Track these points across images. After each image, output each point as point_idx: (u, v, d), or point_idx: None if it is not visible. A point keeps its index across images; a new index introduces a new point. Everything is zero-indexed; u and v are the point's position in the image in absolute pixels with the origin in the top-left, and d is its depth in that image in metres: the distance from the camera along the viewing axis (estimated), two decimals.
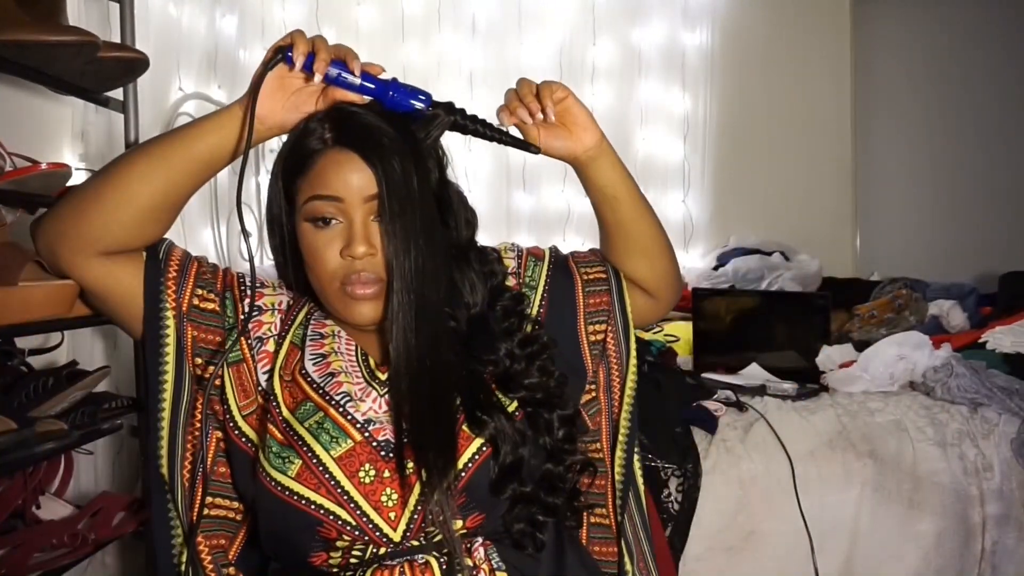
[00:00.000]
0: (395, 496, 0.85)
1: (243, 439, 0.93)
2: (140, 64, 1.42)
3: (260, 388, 0.93)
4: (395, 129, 0.88)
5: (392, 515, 0.85)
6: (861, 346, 2.13)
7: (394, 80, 0.92)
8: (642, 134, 3.65)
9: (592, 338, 1.01)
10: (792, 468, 1.69)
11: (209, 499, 0.93)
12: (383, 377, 0.92)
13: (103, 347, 1.78)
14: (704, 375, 2.12)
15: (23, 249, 1.19)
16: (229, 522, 0.95)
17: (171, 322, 0.91)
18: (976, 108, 3.66)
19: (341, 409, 0.89)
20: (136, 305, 0.91)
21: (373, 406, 0.90)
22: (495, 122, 0.94)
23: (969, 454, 1.73)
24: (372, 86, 0.89)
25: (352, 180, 0.86)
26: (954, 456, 1.72)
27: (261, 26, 2.98)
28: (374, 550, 0.85)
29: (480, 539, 0.88)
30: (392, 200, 0.84)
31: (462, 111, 0.93)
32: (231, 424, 0.92)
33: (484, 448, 0.88)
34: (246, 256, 2.40)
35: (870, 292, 2.83)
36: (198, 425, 0.92)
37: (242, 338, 0.93)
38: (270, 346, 0.95)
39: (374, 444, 0.87)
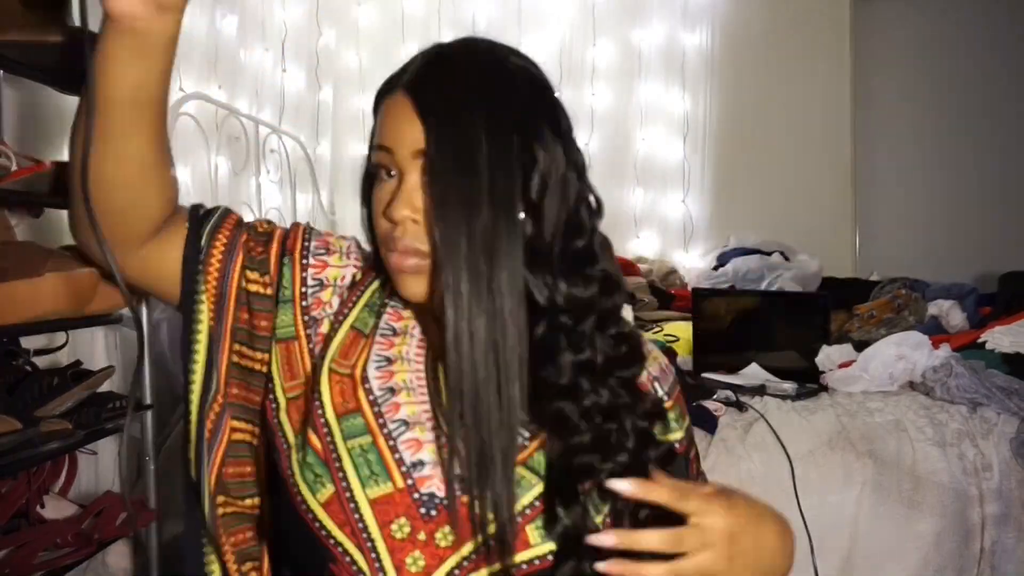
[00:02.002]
0: (422, 563, 0.73)
1: (280, 432, 0.80)
2: None
3: (313, 362, 0.81)
4: (487, 85, 0.73)
5: None
6: (861, 346, 2.14)
7: None
8: (642, 134, 3.66)
9: None
10: (792, 468, 1.70)
11: (221, 498, 0.82)
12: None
13: (107, 347, 1.78)
14: (704, 375, 2.12)
15: (40, 246, 1.20)
16: (247, 515, 0.84)
17: (204, 311, 0.81)
18: (976, 108, 3.66)
19: (392, 441, 0.75)
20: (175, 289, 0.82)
21: (430, 444, 0.76)
22: None
23: (968, 454, 1.73)
24: None
25: (404, 130, 0.73)
26: (953, 456, 1.73)
27: (261, 26, 2.98)
28: None
29: None
30: (441, 159, 0.71)
31: None
32: (273, 407, 0.81)
33: (529, 565, 0.73)
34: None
35: (870, 292, 2.84)
36: (214, 416, 0.81)
37: (296, 312, 0.82)
38: (324, 327, 0.82)
39: (415, 496, 0.74)
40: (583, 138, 3.64)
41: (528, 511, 0.74)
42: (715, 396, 1.93)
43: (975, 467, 1.72)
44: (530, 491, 0.75)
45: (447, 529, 0.73)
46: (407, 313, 0.82)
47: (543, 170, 0.73)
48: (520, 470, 0.75)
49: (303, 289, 0.82)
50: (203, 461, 0.80)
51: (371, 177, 0.79)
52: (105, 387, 1.48)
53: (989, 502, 1.70)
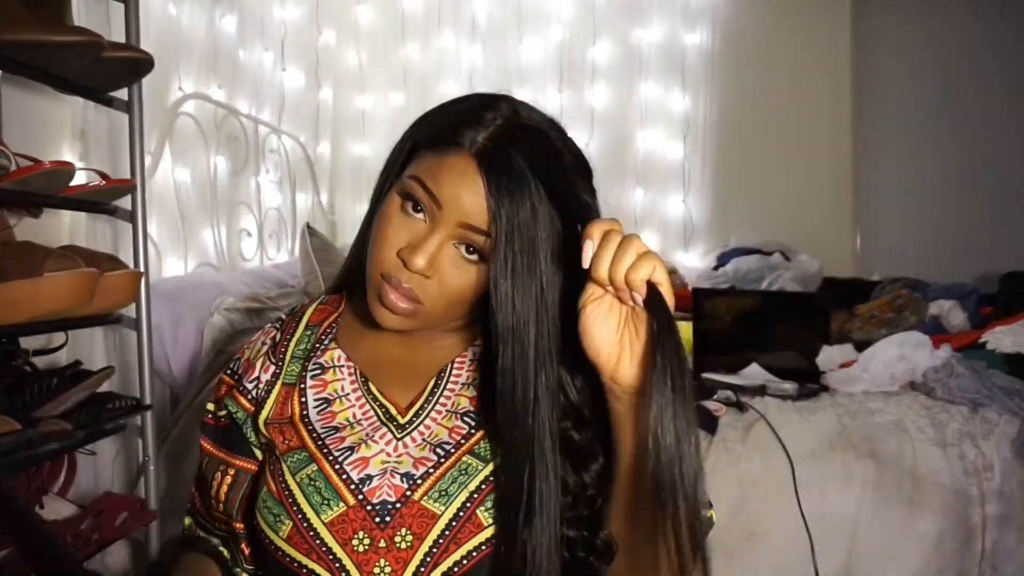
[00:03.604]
0: (388, 569, 0.77)
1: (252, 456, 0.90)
2: (145, 64, 1.43)
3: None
4: (552, 184, 0.75)
5: None
6: (861, 346, 2.13)
7: None
8: (642, 134, 3.66)
9: None
10: (792, 468, 1.69)
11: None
12: (403, 420, 0.83)
13: (107, 347, 1.78)
14: (704, 375, 2.12)
15: (40, 246, 1.20)
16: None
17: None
18: (976, 108, 3.66)
19: (337, 465, 0.80)
20: None
21: (386, 448, 0.82)
22: None
23: (969, 454, 1.73)
24: None
25: (464, 198, 0.74)
26: (954, 456, 1.73)
27: (261, 26, 2.98)
28: None
29: None
30: (514, 252, 0.72)
31: None
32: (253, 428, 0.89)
33: (486, 546, 0.78)
34: (246, 256, 2.39)
35: (870, 292, 2.84)
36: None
37: (260, 426, 0.87)
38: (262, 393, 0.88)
39: (368, 508, 0.78)
40: (583, 138, 3.64)
41: (476, 495, 0.79)
42: (715, 396, 1.93)
43: (976, 467, 1.72)
44: (476, 476, 0.80)
45: (404, 531, 0.77)
46: (333, 344, 0.89)
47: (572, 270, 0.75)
48: (466, 458, 0.81)
49: (251, 397, 0.89)
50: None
51: (385, 182, 0.83)
52: (105, 387, 1.48)
53: (990, 503, 1.69)
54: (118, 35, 1.58)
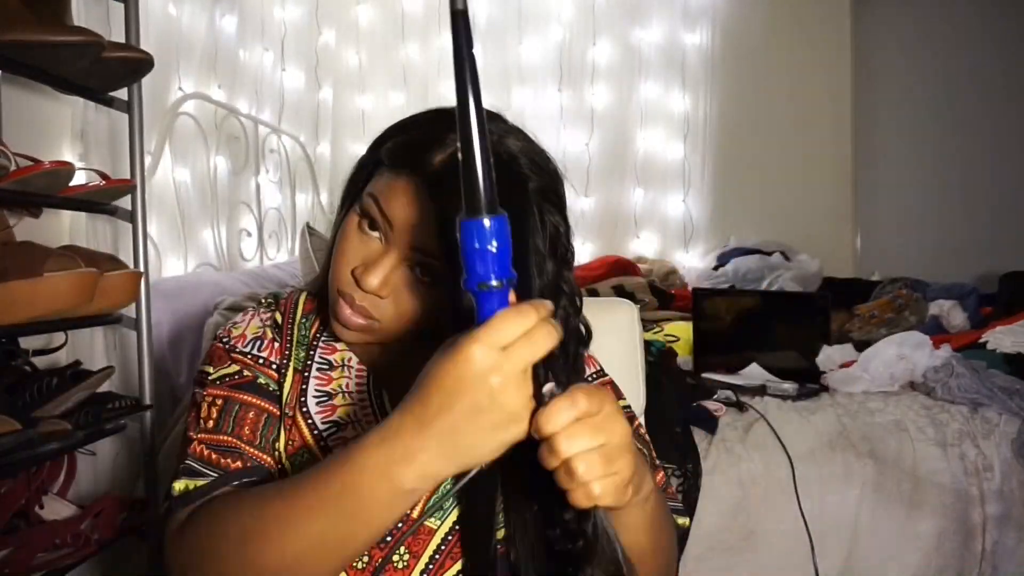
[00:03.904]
0: None
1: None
2: (145, 64, 1.43)
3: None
4: (510, 212, 0.66)
5: None
6: (861, 346, 2.14)
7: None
8: (642, 134, 3.66)
9: None
10: (792, 468, 1.69)
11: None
12: None
13: (106, 347, 1.78)
14: (704, 375, 2.12)
15: (40, 246, 1.19)
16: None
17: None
18: (976, 108, 3.66)
19: None
20: None
21: None
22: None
23: (969, 454, 1.73)
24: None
25: (415, 223, 0.72)
26: (954, 456, 1.73)
27: (261, 26, 2.98)
28: None
29: None
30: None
31: None
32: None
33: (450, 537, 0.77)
34: (246, 256, 2.37)
35: (870, 292, 2.84)
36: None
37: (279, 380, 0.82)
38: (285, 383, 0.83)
39: None
40: (583, 138, 3.64)
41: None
42: (715, 396, 1.93)
43: (976, 467, 1.72)
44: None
45: (403, 551, 0.76)
46: (341, 345, 0.85)
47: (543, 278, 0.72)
48: None
49: (255, 365, 0.82)
50: None
51: (350, 196, 0.80)
52: (105, 387, 1.48)
53: (990, 503, 1.70)
54: (118, 35, 1.58)
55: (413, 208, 0.72)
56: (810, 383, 2.00)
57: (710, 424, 1.79)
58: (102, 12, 1.76)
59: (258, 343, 0.83)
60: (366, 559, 0.75)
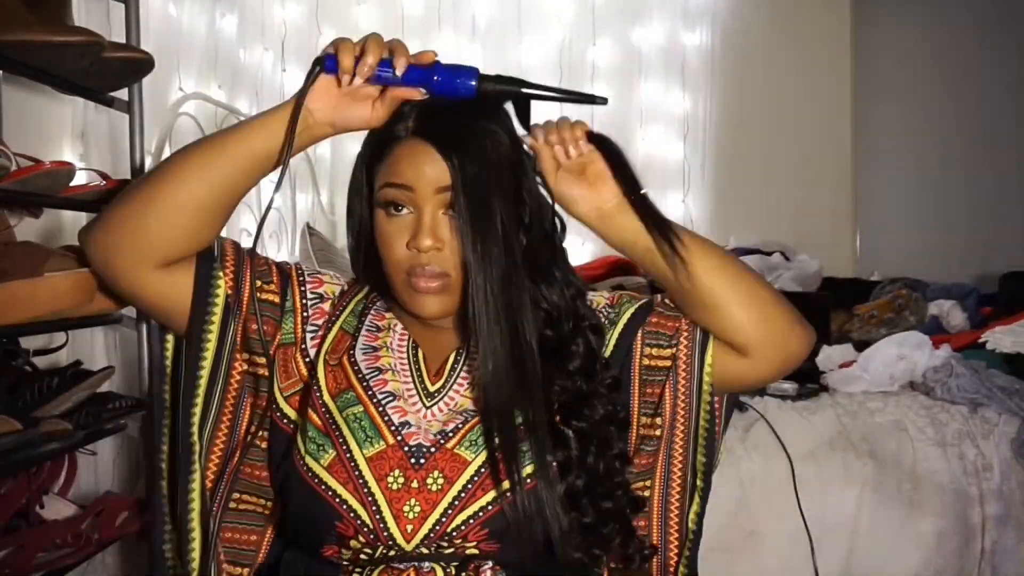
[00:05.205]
0: (417, 509, 0.84)
1: (284, 420, 0.93)
2: (145, 64, 1.43)
3: (308, 360, 0.94)
4: (484, 127, 0.88)
5: (410, 528, 0.84)
6: (861, 346, 2.13)
7: (437, 64, 0.86)
8: (642, 134, 3.66)
9: (646, 390, 0.95)
10: (792, 468, 1.70)
11: (236, 495, 0.93)
12: (432, 388, 0.92)
13: (107, 347, 1.78)
14: None
15: (40, 246, 1.20)
16: (257, 515, 0.96)
17: (218, 315, 0.89)
18: (977, 108, 3.67)
19: (380, 408, 0.89)
20: (187, 305, 0.89)
21: (414, 412, 0.90)
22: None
23: (969, 454, 1.73)
24: (415, 77, 0.84)
25: (425, 170, 0.85)
26: (954, 456, 1.73)
27: (261, 26, 2.98)
28: (384, 551, 0.86)
29: (490, 563, 0.87)
30: (468, 195, 0.83)
31: (516, 80, 0.91)
32: (274, 407, 0.93)
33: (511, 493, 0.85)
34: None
35: (870, 292, 2.84)
36: (225, 427, 0.92)
37: (297, 321, 0.94)
38: (322, 331, 0.95)
39: (405, 449, 0.87)
40: None
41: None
42: None
43: (976, 467, 1.72)
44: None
45: (436, 474, 0.86)
46: (389, 315, 0.98)
47: (530, 198, 0.91)
48: None
49: (303, 301, 0.95)
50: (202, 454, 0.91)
51: (361, 212, 0.93)
52: (105, 387, 1.48)
53: (990, 502, 1.70)
54: (118, 35, 1.58)
55: (416, 160, 0.85)
56: (810, 383, 1.99)
57: None
58: (102, 12, 1.76)
59: (318, 300, 0.96)
60: (402, 480, 0.85)
